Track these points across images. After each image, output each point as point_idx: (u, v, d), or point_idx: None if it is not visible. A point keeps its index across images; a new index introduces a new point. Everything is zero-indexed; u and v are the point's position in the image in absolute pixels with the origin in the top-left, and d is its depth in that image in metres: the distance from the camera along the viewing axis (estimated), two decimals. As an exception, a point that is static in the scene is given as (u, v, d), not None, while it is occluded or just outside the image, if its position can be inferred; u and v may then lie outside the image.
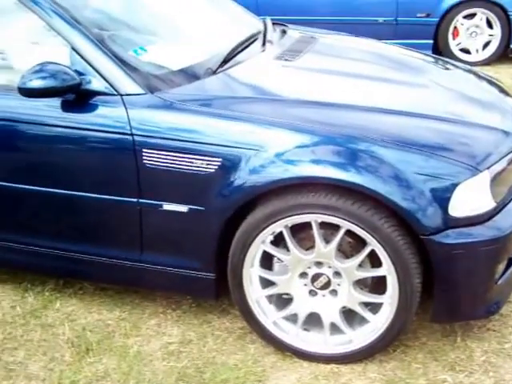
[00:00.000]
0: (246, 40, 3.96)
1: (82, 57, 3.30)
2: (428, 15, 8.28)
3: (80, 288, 3.86)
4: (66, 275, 3.83)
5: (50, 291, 3.84)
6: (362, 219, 2.94)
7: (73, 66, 3.27)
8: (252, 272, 3.20)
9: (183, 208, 3.18)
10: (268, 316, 3.26)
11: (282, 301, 3.28)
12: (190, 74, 3.45)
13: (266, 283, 3.25)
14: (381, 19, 8.32)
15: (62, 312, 3.68)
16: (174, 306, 3.69)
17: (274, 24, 4.43)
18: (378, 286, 3.15)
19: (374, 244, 2.98)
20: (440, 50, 8.35)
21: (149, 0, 4.22)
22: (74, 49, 3.31)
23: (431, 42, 8.36)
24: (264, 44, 4.00)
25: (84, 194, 3.36)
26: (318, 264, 3.14)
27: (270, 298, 3.27)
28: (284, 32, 4.39)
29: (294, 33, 4.41)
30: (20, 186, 3.47)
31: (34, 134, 3.40)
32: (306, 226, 3.07)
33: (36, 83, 3.16)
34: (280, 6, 8.11)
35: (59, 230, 3.56)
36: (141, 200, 3.24)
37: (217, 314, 3.62)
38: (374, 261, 3.09)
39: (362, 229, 2.96)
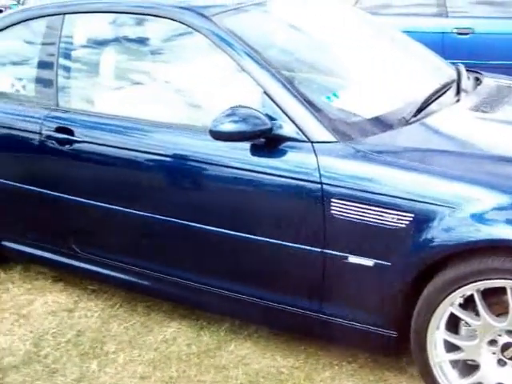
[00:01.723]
0: (440, 88, 3.80)
1: (273, 100, 3.28)
2: None
3: (255, 331, 3.81)
4: (242, 318, 3.80)
5: (225, 331, 3.81)
6: (562, 289, 2.75)
7: (263, 109, 3.25)
8: (437, 334, 3.04)
9: (369, 262, 3.07)
10: (450, 382, 3.08)
11: (467, 367, 3.08)
12: (383, 123, 3.34)
13: (451, 347, 3.07)
14: None
15: (236, 354, 3.64)
16: (349, 359, 3.57)
17: (467, 71, 4.27)
18: None
19: None
20: None
21: (338, 43, 4.14)
22: (264, 92, 3.30)
23: None
24: (458, 93, 3.82)
25: (264, 238, 3.32)
26: (510, 332, 2.94)
27: (454, 363, 3.09)
28: (478, 80, 4.21)
29: (489, 81, 4.21)
30: (199, 225, 3.49)
31: (218, 175, 3.40)
32: (499, 290, 2.88)
33: (228, 127, 3.16)
34: (467, 49, 7.84)
35: (236, 273, 3.54)
36: (325, 250, 3.16)
37: (394, 372, 3.46)
38: None
39: (562, 300, 2.76)
